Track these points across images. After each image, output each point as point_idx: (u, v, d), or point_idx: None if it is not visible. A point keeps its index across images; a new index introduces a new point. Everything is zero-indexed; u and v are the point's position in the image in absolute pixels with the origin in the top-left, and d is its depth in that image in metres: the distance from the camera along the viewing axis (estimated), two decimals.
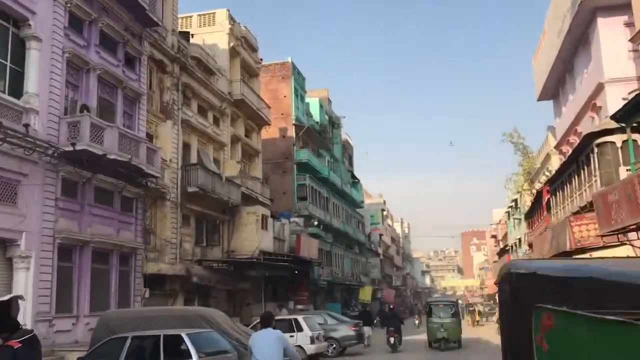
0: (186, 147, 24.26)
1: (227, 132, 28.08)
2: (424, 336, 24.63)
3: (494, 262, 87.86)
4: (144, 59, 21.14)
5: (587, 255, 21.83)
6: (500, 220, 74.80)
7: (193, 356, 10.45)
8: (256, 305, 26.88)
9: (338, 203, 48.21)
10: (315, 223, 38.43)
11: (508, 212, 55.85)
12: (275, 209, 34.64)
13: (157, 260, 21.04)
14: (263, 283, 27.92)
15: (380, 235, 69.04)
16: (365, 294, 47.41)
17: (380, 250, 67.37)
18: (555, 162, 34.52)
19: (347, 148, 57.28)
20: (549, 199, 33.67)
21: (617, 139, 21.63)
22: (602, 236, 18.50)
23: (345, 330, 19.62)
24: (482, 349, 21.65)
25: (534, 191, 42.78)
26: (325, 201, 43.75)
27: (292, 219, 35.46)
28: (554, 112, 33.53)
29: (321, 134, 44.46)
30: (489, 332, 30.62)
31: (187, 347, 10.63)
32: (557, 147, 33.07)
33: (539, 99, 34.36)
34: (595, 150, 22.35)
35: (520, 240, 48.66)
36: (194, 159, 24.49)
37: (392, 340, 21.02)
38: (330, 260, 43.68)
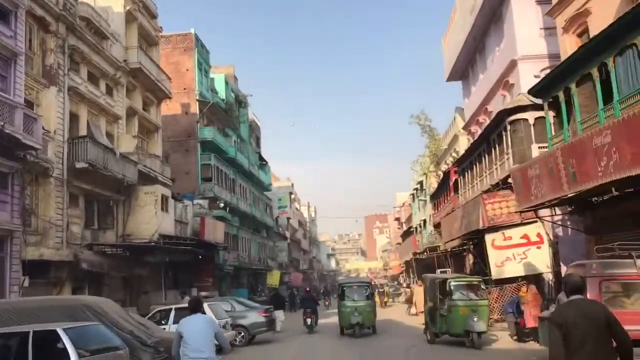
0: (74, 118, 21.51)
1: (123, 104, 25.45)
2: (334, 319, 23.69)
3: (397, 244, 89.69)
4: (21, 14, 18.27)
5: (499, 234, 21.73)
6: (404, 203, 76.07)
7: (71, 356, 8.55)
8: (155, 294, 24.69)
9: (245, 185, 46.37)
10: (221, 205, 36.46)
11: (413, 194, 56.52)
12: (178, 190, 32.32)
13: (39, 244, 18.42)
14: (163, 269, 25.71)
15: (288, 218, 67.93)
16: (274, 279, 46.10)
17: (288, 234, 66.28)
18: (463, 143, 34.71)
19: (254, 129, 55.37)
20: (456, 180, 33.80)
21: (530, 116, 21.51)
22: (521, 212, 18.17)
23: (254, 317, 18.04)
24: (399, 332, 20.92)
25: (440, 172, 43.21)
26: (232, 183, 41.79)
27: (195, 201, 33.30)
28: (463, 93, 33.64)
29: (227, 112, 42.30)
30: (399, 313, 30.32)
31: (64, 345, 8.68)
32: (466, 127, 33.20)
33: (448, 79, 34.33)
34: (508, 127, 22.15)
35: (425, 221, 49.24)
36: (83, 131, 21.80)
37: (308, 321, 22.05)
38: (236, 244, 41.88)
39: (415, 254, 41.90)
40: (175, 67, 36.67)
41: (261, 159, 55.20)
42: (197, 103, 36.99)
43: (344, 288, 20.49)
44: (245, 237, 44.84)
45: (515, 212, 19.24)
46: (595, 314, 4.90)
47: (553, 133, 17.59)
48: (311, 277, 79.65)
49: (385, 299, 37.79)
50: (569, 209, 15.54)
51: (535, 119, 21.42)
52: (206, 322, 7.15)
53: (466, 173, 30.36)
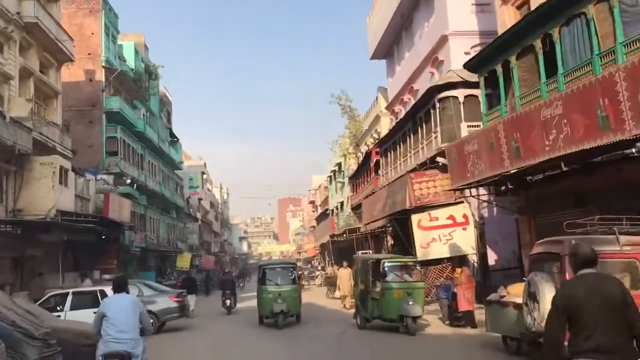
0: None
1: (15, 63, 22.35)
2: (250, 302, 22.30)
3: (312, 227, 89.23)
4: None
5: (425, 214, 21.07)
6: (320, 186, 75.48)
7: None
8: (51, 276, 22.08)
9: (155, 162, 43.52)
10: (128, 181, 33.75)
11: (331, 176, 55.82)
12: (80, 165, 29.39)
13: None
14: (61, 249, 23.09)
15: (200, 199, 65.27)
16: (184, 261, 43.69)
17: (199, 216, 63.68)
18: (385, 124, 34.11)
19: (165, 103, 52.26)
20: (377, 161, 33.19)
21: (460, 93, 20.93)
22: (455, 190, 17.45)
23: (165, 302, 16.12)
24: (324, 318, 19.64)
25: (360, 154, 42.62)
26: (140, 159, 38.95)
27: (99, 176, 30.50)
28: (387, 72, 32.91)
29: (136, 83, 39.24)
30: (318, 296, 29.25)
31: None
32: (389, 107, 32.55)
33: (372, 57, 33.46)
34: (437, 105, 21.49)
35: (342, 203, 48.64)
36: None
37: (227, 302, 22.53)
38: (144, 224, 39.21)
39: (332, 236, 41.14)
40: (78, 29, 33.24)
41: (172, 135, 52.27)
42: (103, 70, 33.85)
43: (266, 270, 17.60)
44: (153, 217, 42.17)
45: (448, 191, 18.57)
46: (610, 291, 3.86)
47: (488, 109, 16.95)
48: (223, 260, 77.42)
49: (303, 282, 36.63)
50: (505, 188, 14.85)
51: (465, 96, 20.89)
52: (132, 302, 6.86)
53: (389, 153, 29.70)
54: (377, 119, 35.28)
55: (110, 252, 29.96)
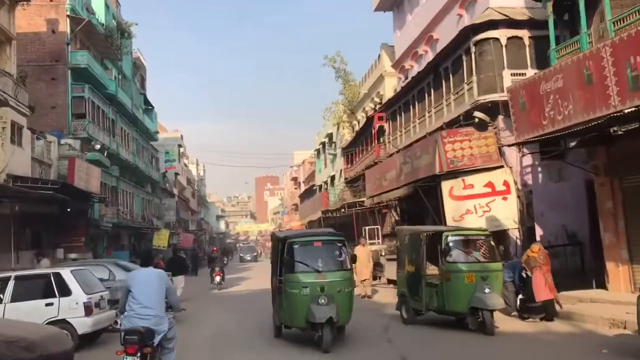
0: None
1: None
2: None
3: (294, 205, 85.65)
4: None
5: (458, 181, 17.61)
6: (304, 162, 71.78)
7: None
8: (1, 255, 18.13)
9: (128, 130, 39.26)
10: (97, 147, 29.56)
11: (319, 149, 52.09)
12: (42, 127, 25.37)
13: None
14: (15, 223, 19.12)
15: (176, 174, 61.02)
16: (161, 239, 39.64)
17: (175, 191, 59.51)
18: (390, 85, 30.45)
19: (139, 67, 47.72)
20: (381, 127, 29.66)
21: (502, 34, 17.34)
22: (521, 144, 13.94)
23: None
24: None
25: (356, 122, 38.99)
26: (111, 124, 34.69)
27: (63, 140, 26.37)
28: (394, 25, 29.08)
29: (107, 40, 34.78)
30: None
31: None
32: (396, 65, 28.83)
33: (377, 9, 29.56)
34: (473, 49, 17.87)
35: (333, 178, 45.06)
36: None
37: (217, 279, 23.87)
38: (116, 198, 35.14)
39: (325, 212, 37.59)
40: None
41: (147, 102, 47.85)
42: (68, 20, 29.37)
43: (294, 247, 9.67)
44: (126, 191, 38.06)
45: (510, 146, 15.09)
46: None
47: (555, 45, 13.38)
48: (202, 239, 73.45)
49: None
50: (580, 143, 11.37)
51: (508, 39, 17.36)
52: (158, 277, 6.55)
53: (398, 117, 26.14)
54: (379, 80, 31.56)
55: (77, 228, 26.04)
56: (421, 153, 18.78)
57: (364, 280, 16.58)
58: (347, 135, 40.47)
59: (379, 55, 31.85)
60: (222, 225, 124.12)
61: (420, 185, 18.97)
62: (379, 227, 25.89)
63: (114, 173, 34.31)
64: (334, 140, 43.72)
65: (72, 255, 23.41)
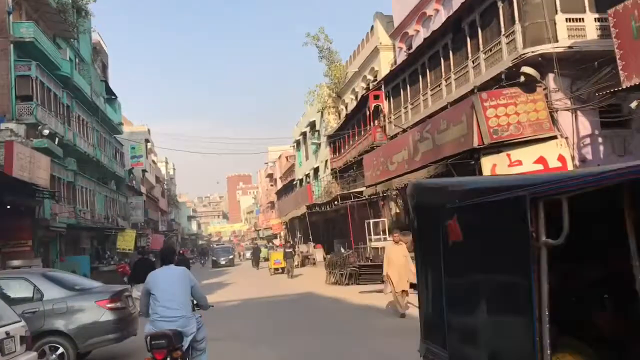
0: None
1: None
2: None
3: (270, 202, 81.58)
4: None
5: (502, 156, 13.98)
6: (280, 156, 67.86)
7: None
8: None
9: (87, 119, 34.78)
10: (46, 132, 25.15)
11: (299, 140, 48.21)
12: None
13: None
14: None
15: (144, 171, 56.41)
16: (127, 241, 35.21)
17: (143, 190, 54.95)
18: (386, 60, 26.81)
19: (99, 52, 43.14)
20: (377, 106, 25.99)
21: None
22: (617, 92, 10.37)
23: (89, 313, 8.12)
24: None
25: (343, 107, 35.26)
26: (66, 111, 30.26)
27: (4, 125, 22.05)
28: None
29: (60, 15, 30.30)
30: (318, 282, 21.66)
31: None
32: (396, 33, 25.13)
33: None
34: None
35: (317, 169, 41.27)
36: None
37: None
38: (74, 195, 30.68)
39: (311, 207, 33.75)
40: None
41: (109, 91, 43.25)
42: None
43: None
44: (87, 188, 33.58)
45: (624, 91, 11.48)
46: None
47: None
48: (172, 241, 68.79)
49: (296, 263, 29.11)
50: None
51: None
52: (180, 275, 5.97)
53: (402, 91, 22.45)
54: (373, 55, 27.86)
55: (22, 229, 21.77)
56: (448, 125, 15.10)
57: (402, 291, 11.27)
58: (332, 122, 36.74)
59: (372, 27, 28.13)
60: (194, 226, 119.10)
61: (456, 163, 15.24)
62: (384, 219, 22.14)
63: (70, 166, 29.88)
64: (317, 128, 39.91)
65: (15, 263, 19.10)
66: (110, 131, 42.28)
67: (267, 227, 73.11)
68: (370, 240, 21.13)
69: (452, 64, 17.89)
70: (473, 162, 14.01)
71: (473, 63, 16.35)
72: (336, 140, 34.96)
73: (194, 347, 5.93)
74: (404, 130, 21.03)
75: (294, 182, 52.40)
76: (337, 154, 34.87)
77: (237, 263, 43.54)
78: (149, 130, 58.40)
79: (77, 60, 34.71)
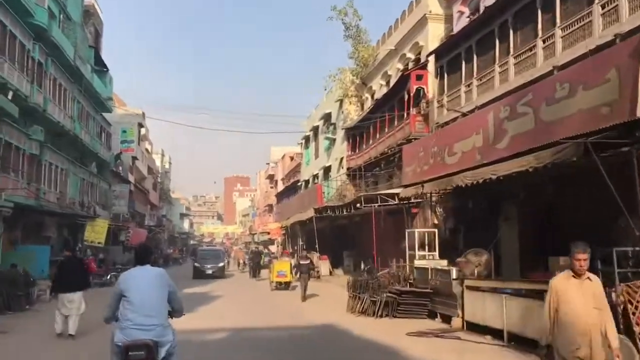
0: None
1: None
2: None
3: (267, 205, 76.11)
4: None
5: None
6: (284, 156, 62.62)
7: None
8: None
9: (66, 86, 29.43)
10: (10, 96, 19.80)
11: (309, 136, 42.90)
12: None
13: None
14: None
15: (134, 158, 51.01)
16: (97, 233, 29.19)
17: (131, 178, 49.51)
18: (435, 32, 21.55)
19: (93, 16, 37.91)
20: (418, 90, 20.79)
21: None
22: None
23: None
24: None
25: (367, 95, 29.99)
26: (37, 68, 24.97)
27: None
28: None
29: None
30: (338, 308, 16.10)
31: None
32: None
33: None
34: None
35: (329, 169, 35.94)
36: None
37: None
38: (37, 172, 25.31)
39: (320, 210, 28.34)
40: None
41: (99, 61, 37.94)
42: None
43: None
44: (57, 166, 28.14)
45: None
46: None
47: None
48: (159, 237, 63.15)
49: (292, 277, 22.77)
50: None
51: None
52: (157, 277, 5.19)
53: (464, 64, 17.17)
54: (418, 27, 22.47)
55: None
56: (573, 89, 9.72)
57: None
58: (353, 113, 31.48)
59: None
60: (185, 225, 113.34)
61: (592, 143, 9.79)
62: (435, 230, 16.67)
63: (35, 136, 24.48)
64: (333, 121, 34.60)
65: None
66: (97, 106, 36.92)
67: (264, 231, 67.55)
68: (413, 257, 15.70)
69: (558, 15, 12.61)
70: (628, 146, 8.62)
71: (603, 8, 11.06)
72: (356, 134, 29.70)
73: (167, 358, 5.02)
74: (464, 115, 15.72)
75: (299, 184, 47.07)
76: (356, 150, 29.59)
77: (229, 273, 35.47)
78: (143, 113, 52.89)
79: (61, 16, 29.40)
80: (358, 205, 21.09)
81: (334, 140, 34.27)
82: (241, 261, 41.30)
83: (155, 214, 71.08)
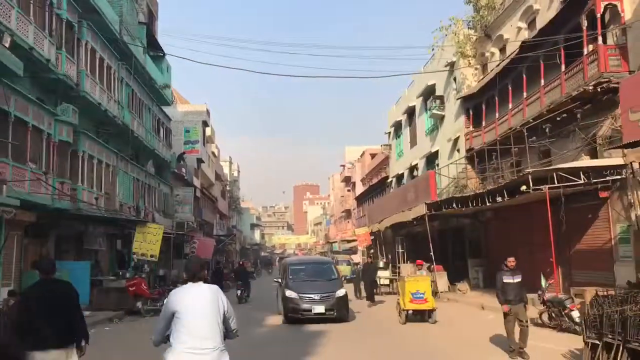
0: None
1: None
2: None
3: (344, 211, 69.14)
4: None
5: None
6: (363, 153, 55.77)
7: None
8: None
9: (110, 62, 23.83)
10: (6, 41, 13.91)
11: (400, 121, 35.82)
12: None
13: None
14: None
15: (200, 161, 45.58)
16: (149, 243, 21.03)
17: (197, 183, 43.97)
18: None
19: None
20: (609, 6, 13.34)
21: None
22: None
23: None
24: None
25: (489, 54, 22.67)
26: (68, 32, 19.35)
27: None
28: None
29: None
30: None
31: None
32: None
33: None
34: None
35: (434, 155, 28.73)
36: None
37: (238, 292, 22.29)
38: (71, 164, 19.55)
39: (439, 204, 21.13)
40: None
41: (153, 43, 32.43)
42: None
43: None
44: (99, 159, 22.37)
45: None
46: None
47: None
48: (230, 249, 57.48)
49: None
50: None
51: None
52: (212, 295, 4.55)
53: None
54: None
55: None
56: None
57: None
58: (470, 78, 24.18)
59: None
60: (256, 235, 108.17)
61: None
62: None
63: (65, 117, 18.69)
64: (441, 93, 27.30)
65: None
66: (152, 95, 31.36)
67: (345, 239, 60.71)
68: None
69: None
70: None
71: None
72: (480, 103, 22.41)
73: None
74: None
75: (388, 181, 39.93)
76: (481, 124, 22.30)
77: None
78: (208, 111, 47.46)
79: None
80: (524, 188, 13.74)
81: (442, 118, 26.99)
82: None
83: (224, 223, 65.85)
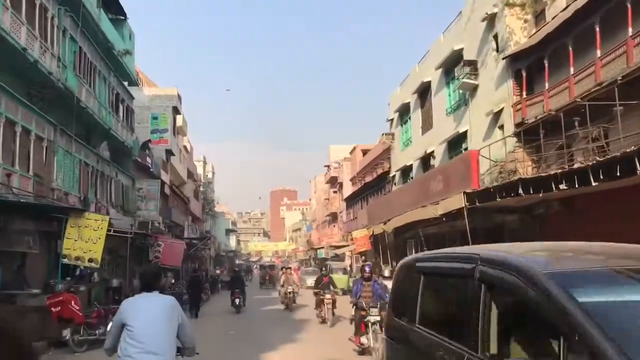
0: None
1: None
2: None
3: (329, 214, 63.30)
4: None
5: None
6: (354, 149, 50.23)
7: None
8: None
9: (52, 10, 17.81)
10: None
11: (409, 103, 30.28)
12: None
13: None
14: None
15: (169, 153, 39.45)
16: (86, 241, 15.09)
17: (166, 178, 37.78)
18: None
19: None
20: None
21: None
22: None
23: None
24: None
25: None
26: None
27: None
28: None
29: None
30: None
31: None
32: None
33: None
34: None
35: (462, 136, 23.29)
36: None
37: (237, 301, 21.20)
38: None
39: (485, 194, 15.60)
40: None
41: (114, 5, 26.33)
42: None
43: None
44: (29, 130, 16.33)
45: None
46: None
47: None
48: (201, 255, 51.03)
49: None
50: None
51: None
52: (167, 307, 4.34)
53: None
54: None
55: None
56: None
57: None
58: (519, 33, 18.78)
59: None
60: (232, 242, 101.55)
61: None
62: None
63: None
64: (473, 57, 21.81)
65: None
66: (109, 62, 25.24)
67: (332, 244, 54.92)
68: None
69: None
70: None
71: None
72: (536, 63, 16.97)
73: None
74: None
75: (390, 176, 34.37)
76: (536, 90, 16.84)
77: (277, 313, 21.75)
78: (179, 95, 41.31)
79: None
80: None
81: (475, 88, 21.47)
82: (292, 291, 23.04)
83: (197, 227, 59.52)
